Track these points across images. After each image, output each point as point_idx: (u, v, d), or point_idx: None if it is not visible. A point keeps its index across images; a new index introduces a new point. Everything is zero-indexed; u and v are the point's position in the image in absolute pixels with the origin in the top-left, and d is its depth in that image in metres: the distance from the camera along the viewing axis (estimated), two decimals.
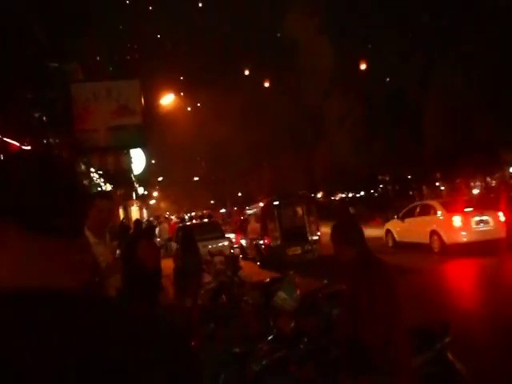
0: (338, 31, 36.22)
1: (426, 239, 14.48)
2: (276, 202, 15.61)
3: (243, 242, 18.24)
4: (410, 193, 33.03)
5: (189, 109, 34.08)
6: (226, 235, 17.62)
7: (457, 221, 13.63)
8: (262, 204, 16.80)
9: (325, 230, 18.97)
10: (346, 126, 32.94)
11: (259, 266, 15.22)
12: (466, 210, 13.95)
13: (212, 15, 41.63)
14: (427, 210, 15.07)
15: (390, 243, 16.56)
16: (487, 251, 12.36)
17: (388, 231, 17.00)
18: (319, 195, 46.12)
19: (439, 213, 14.33)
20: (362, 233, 2.95)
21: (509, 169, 31.07)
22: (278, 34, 43.21)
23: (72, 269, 0.88)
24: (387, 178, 38.07)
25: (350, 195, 42.77)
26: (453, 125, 23.05)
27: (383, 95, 30.49)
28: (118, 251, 4.13)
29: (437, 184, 35.52)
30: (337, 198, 42.88)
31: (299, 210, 15.76)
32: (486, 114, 20.82)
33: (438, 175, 33.36)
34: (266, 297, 5.71)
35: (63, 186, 0.89)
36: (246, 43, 42.95)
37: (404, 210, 16.48)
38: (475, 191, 29.15)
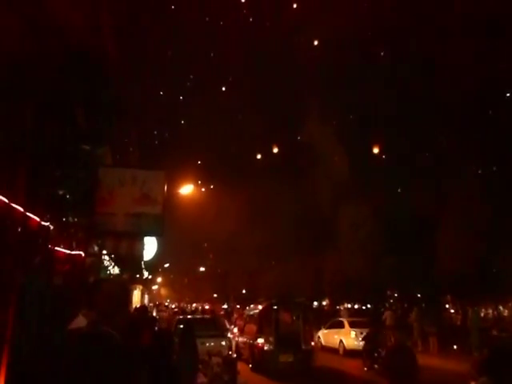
0: (354, 140, 37.43)
1: (336, 345, 21.46)
2: (274, 307, 16.03)
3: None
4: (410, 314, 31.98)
5: (203, 189, 34.32)
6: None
7: (353, 334, 20.56)
8: (260, 306, 17.36)
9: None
10: (359, 236, 32.91)
11: (251, 369, 15.38)
12: (362, 327, 20.35)
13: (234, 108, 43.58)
14: (340, 324, 22.22)
15: (319, 346, 22.42)
16: None
17: (318, 337, 23.19)
18: (324, 303, 45.00)
19: (345, 327, 21.46)
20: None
21: None
22: (298, 137, 44.63)
23: None
24: (396, 294, 37.23)
25: (356, 307, 41.66)
26: (467, 247, 22.85)
27: (398, 209, 30.72)
28: None
29: (446, 306, 34.55)
30: (342, 308, 41.78)
31: (296, 317, 16.01)
32: (501, 240, 20.72)
33: (449, 298, 32.55)
34: None
35: None
36: (266, 142, 44.48)
37: (328, 323, 23.52)
38: None
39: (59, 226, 6.89)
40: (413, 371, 2.73)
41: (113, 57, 8.72)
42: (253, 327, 16.70)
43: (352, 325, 21.35)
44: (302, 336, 15.30)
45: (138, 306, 22.70)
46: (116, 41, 9.45)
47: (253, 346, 15.94)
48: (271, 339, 15.08)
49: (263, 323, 15.79)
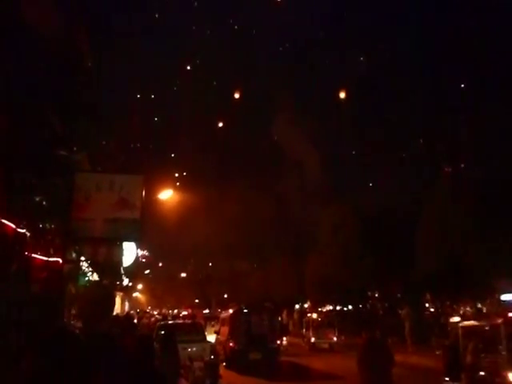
0: (329, 141, 37.80)
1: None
2: (244, 310, 18.16)
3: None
4: (400, 311, 32.31)
5: (177, 183, 33.97)
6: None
7: None
8: (231, 311, 19.29)
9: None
10: (339, 237, 33.08)
11: (225, 367, 16.70)
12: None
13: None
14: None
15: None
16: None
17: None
18: (306, 305, 45.09)
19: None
20: None
21: (499, 296, 30.84)
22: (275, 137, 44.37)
23: None
24: (376, 295, 37.47)
25: (338, 308, 41.83)
26: (444, 247, 23.15)
27: (377, 210, 31.02)
28: None
29: (426, 305, 34.90)
30: (324, 310, 41.89)
31: (263, 320, 17.89)
32: (479, 240, 20.99)
33: (428, 296, 32.89)
34: None
35: None
36: (244, 145, 44.37)
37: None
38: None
39: (36, 232, 6.79)
40: (385, 363, 2.77)
41: (88, 60, 8.65)
42: (226, 329, 18.34)
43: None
44: (268, 336, 17.22)
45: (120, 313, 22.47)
46: (92, 44, 9.38)
47: (226, 346, 17.52)
48: (241, 339, 16.94)
49: (234, 326, 17.54)
